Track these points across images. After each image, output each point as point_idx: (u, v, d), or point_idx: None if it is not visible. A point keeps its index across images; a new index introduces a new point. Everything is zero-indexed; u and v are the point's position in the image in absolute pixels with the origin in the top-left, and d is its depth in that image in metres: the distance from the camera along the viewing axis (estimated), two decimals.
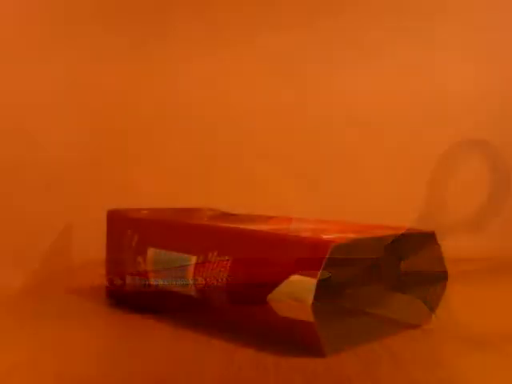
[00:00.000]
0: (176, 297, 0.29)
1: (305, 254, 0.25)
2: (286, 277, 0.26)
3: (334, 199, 0.69)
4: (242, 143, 0.69)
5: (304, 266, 0.26)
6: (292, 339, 0.26)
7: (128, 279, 0.32)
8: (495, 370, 0.21)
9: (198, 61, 0.69)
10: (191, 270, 0.28)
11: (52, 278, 0.51)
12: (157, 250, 0.30)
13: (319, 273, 0.24)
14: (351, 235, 0.26)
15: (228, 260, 0.27)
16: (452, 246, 0.64)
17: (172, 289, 0.29)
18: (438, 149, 0.67)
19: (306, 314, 0.25)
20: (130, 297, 0.32)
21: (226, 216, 0.37)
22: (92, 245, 0.61)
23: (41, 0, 0.69)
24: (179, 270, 0.28)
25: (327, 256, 0.24)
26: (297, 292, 0.25)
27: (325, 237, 0.26)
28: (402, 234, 0.27)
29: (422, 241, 0.29)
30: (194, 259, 0.28)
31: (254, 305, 0.27)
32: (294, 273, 0.26)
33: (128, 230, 0.32)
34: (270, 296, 0.26)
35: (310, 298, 0.25)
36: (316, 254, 0.25)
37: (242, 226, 0.29)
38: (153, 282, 0.30)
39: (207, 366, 0.23)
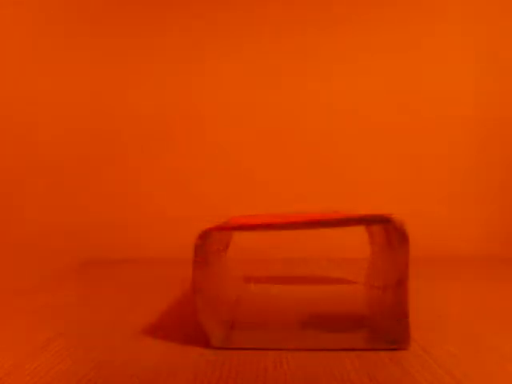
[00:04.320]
0: None
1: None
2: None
3: (335, 198, 0.72)
4: (242, 143, 0.71)
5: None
6: None
7: None
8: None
9: (198, 65, 0.71)
10: None
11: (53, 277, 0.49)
12: None
13: None
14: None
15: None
16: (452, 246, 0.68)
17: None
18: (437, 148, 0.70)
19: None
20: None
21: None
22: (91, 245, 0.67)
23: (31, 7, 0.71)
24: None
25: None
26: None
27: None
28: None
29: None
30: None
31: None
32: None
33: None
34: None
35: None
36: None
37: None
38: None
39: None
